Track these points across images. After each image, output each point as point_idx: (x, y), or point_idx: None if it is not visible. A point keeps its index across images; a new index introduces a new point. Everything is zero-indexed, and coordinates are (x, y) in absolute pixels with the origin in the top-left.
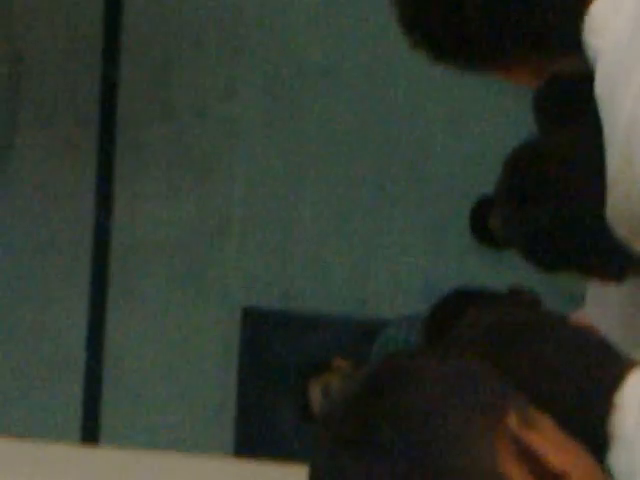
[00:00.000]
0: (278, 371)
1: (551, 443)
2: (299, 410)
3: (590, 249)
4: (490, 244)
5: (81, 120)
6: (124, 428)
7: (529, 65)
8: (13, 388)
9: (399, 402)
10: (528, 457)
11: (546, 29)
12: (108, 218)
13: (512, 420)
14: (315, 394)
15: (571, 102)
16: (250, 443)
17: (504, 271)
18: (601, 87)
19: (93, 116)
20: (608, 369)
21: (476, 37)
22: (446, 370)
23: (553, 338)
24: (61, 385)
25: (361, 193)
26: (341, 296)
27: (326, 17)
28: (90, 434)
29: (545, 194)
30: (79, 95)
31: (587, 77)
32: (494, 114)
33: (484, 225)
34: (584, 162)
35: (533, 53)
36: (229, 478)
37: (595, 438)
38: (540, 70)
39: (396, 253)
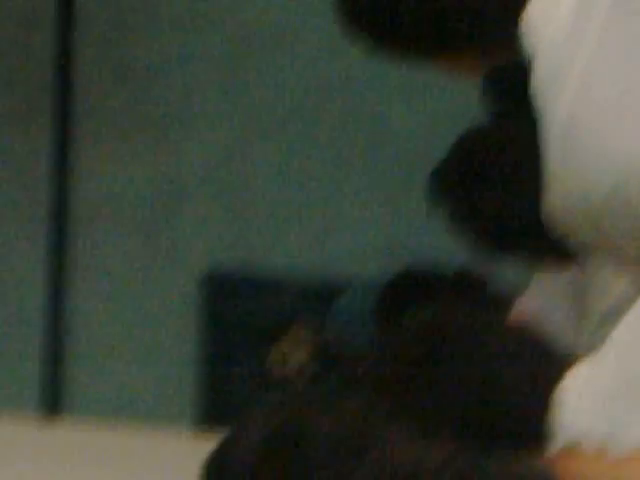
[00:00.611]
0: (238, 337)
1: None
2: (258, 376)
3: (535, 236)
4: None
5: (36, 86)
6: (85, 396)
7: (471, 58)
8: None
9: (293, 461)
10: None
11: (486, 22)
12: (65, 184)
13: None
14: (274, 360)
15: (516, 91)
16: (210, 410)
17: None
18: (538, 84)
19: (48, 81)
20: (546, 370)
21: (414, 30)
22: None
23: (488, 343)
24: (19, 355)
25: (319, 156)
26: (301, 261)
27: None
28: (51, 405)
29: (489, 183)
30: (33, 61)
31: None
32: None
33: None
34: (526, 154)
35: (474, 46)
36: (189, 450)
37: (535, 439)
38: (483, 62)
39: (356, 218)
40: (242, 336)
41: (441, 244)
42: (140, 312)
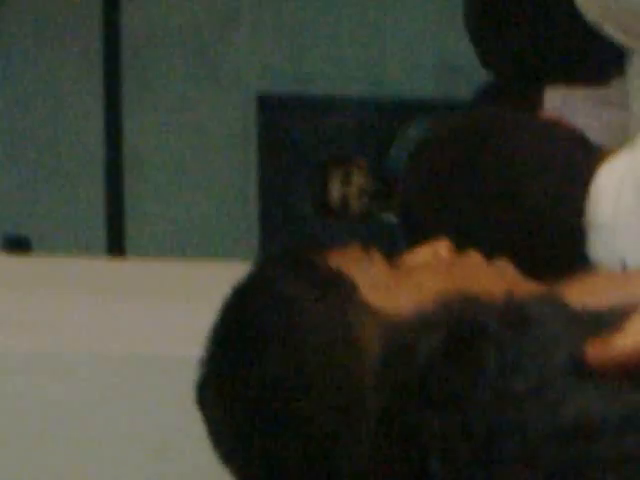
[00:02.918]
0: (297, 159)
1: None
2: (318, 202)
3: (570, 52)
4: None
5: None
6: (147, 226)
7: None
8: (31, 191)
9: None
10: None
11: None
12: (117, 14)
13: None
14: (334, 185)
15: None
16: (272, 233)
17: None
18: None
19: None
20: (581, 161)
21: None
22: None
23: (523, 135)
24: (82, 186)
25: None
26: (356, 77)
27: None
28: (115, 237)
29: (518, 12)
30: None
31: None
32: None
33: None
34: None
35: None
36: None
37: (572, 232)
38: None
39: (410, 31)
40: (300, 157)
41: None
42: (198, 135)
